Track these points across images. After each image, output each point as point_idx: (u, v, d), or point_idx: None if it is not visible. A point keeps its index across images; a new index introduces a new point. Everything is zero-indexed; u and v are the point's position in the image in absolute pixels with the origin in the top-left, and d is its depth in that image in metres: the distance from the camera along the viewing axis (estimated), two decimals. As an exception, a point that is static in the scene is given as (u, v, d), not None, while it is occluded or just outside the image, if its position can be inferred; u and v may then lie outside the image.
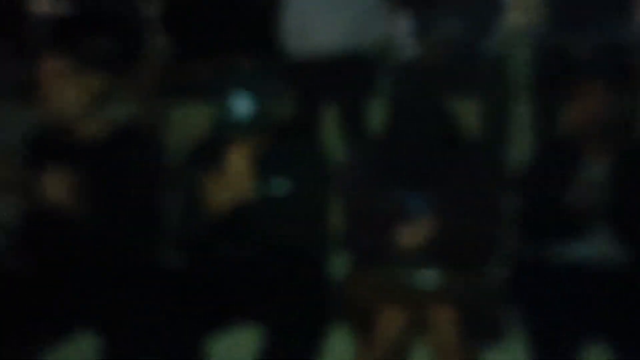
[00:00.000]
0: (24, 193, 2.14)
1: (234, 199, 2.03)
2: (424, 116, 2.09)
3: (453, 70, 2.95)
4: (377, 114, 3.12)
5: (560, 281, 2.20)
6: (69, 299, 2.13)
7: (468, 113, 3.04)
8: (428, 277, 2.18)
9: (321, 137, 3.11)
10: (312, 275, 2.23)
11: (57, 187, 2.04)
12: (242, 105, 2.05)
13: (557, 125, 3.00)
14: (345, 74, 2.98)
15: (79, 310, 2.14)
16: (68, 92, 2.15)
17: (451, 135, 2.15)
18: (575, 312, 2.12)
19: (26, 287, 2.13)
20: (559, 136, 2.77)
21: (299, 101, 2.97)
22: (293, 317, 2.01)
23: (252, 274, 2.18)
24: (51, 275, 2.16)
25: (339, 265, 2.43)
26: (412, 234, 2.07)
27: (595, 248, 2.28)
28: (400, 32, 3.11)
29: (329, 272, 2.39)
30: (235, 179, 2.03)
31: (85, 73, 2.17)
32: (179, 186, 2.28)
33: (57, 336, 2.20)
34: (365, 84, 3.12)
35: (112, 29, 3.43)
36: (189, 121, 3.26)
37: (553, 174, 2.32)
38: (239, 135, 2.07)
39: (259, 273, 2.17)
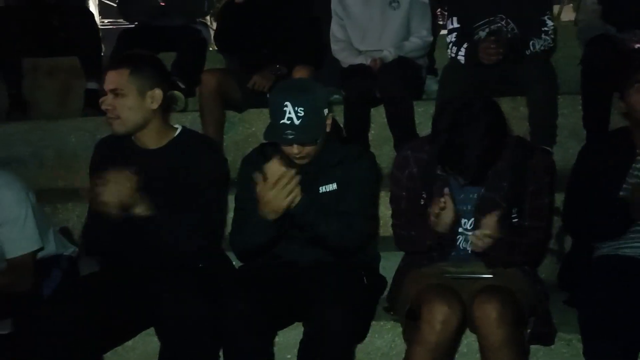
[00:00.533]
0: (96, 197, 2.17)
1: (286, 201, 2.08)
2: (474, 115, 2.03)
3: (501, 69, 2.95)
4: (425, 114, 3.17)
5: (612, 277, 2.15)
6: (133, 299, 2.22)
7: (517, 110, 3.05)
8: (477, 274, 2.19)
9: (369, 138, 3.17)
10: (362, 272, 2.28)
11: (129, 189, 2.10)
12: (296, 111, 2.11)
13: (608, 120, 2.97)
14: (394, 77, 3.01)
15: (142, 310, 2.23)
16: (133, 106, 2.22)
17: (500, 131, 2.11)
18: (630, 308, 2.06)
19: (93, 290, 2.22)
20: (610, 131, 2.74)
21: (348, 105, 3.07)
22: (343, 312, 2.04)
23: (306, 272, 2.24)
24: (119, 277, 2.26)
25: (388, 262, 2.48)
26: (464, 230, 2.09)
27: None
28: (449, 36, 3.11)
29: (378, 270, 2.45)
30: (287, 182, 2.06)
31: (148, 87, 2.24)
32: (236, 189, 2.36)
33: (123, 336, 2.32)
34: (414, 85, 3.15)
35: (175, 45, 3.60)
36: (247, 128, 3.40)
37: (604, 170, 2.29)
38: (294, 140, 2.13)
39: (312, 271, 2.23)
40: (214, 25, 4.42)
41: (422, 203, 2.22)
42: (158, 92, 2.27)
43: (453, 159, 2.05)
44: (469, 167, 2.04)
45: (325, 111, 2.21)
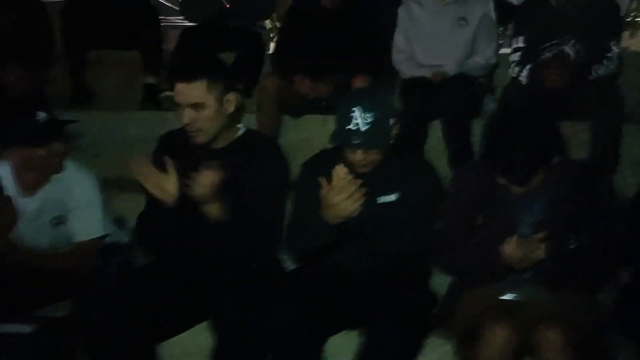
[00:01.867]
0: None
1: (351, 207, 2.07)
2: (531, 136, 2.01)
3: (564, 93, 2.91)
4: (481, 133, 3.14)
5: None
6: (187, 294, 2.24)
7: (579, 135, 3.00)
8: (537, 298, 2.16)
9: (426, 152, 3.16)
10: (416, 287, 2.28)
11: (204, 185, 2.10)
12: (364, 117, 2.12)
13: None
14: (454, 93, 2.99)
15: (196, 305, 2.25)
16: (214, 115, 2.19)
17: (549, 137, 2.07)
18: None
19: (149, 282, 2.25)
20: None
21: (408, 117, 3.07)
22: (395, 327, 2.04)
23: (359, 281, 2.24)
24: (174, 270, 2.29)
25: (437, 278, 2.45)
26: (520, 252, 2.06)
27: None
28: (512, 55, 3.09)
29: (431, 286, 2.42)
30: (348, 189, 2.06)
31: (225, 93, 2.21)
32: (294, 193, 2.38)
33: (175, 330, 2.33)
34: (473, 103, 3.13)
35: (234, 47, 3.65)
36: (300, 133, 3.43)
37: None
38: (360, 145, 2.13)
39: (366, 281, 2.23)
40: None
41: (478, 224, 2.19)
42: (233, 96, 2.25)
43: (500, 156, 2.03)
44: (514, 164, 2.01)
45: (392, 121, 2.22)
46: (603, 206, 2.17)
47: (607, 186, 2.27)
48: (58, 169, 2.36)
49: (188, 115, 2.19)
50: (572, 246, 2.16)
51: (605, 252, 2.19)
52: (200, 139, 2.23)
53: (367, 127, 2.12)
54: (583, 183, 2.17)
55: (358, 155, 2.16)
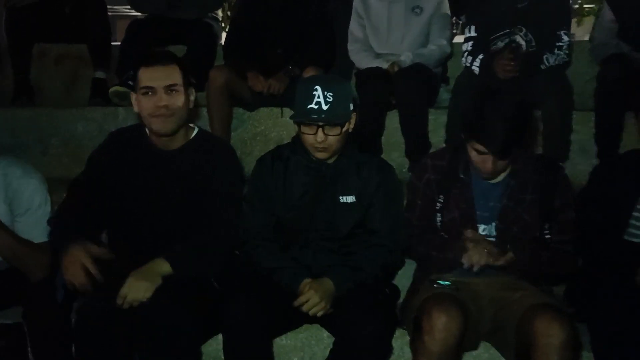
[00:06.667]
0: None
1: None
2: (499, 93, 2.12)
3: (516, 82, 2.94)
4: (436, 123, 3.16)
5: (626, 296, 2.14)
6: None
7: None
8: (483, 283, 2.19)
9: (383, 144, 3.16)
10: (381, 283, 2.28)
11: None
12: (325, 95, 2.13)
13: (620, 138, 2.97)
14: (411, 83, 2.99)
15: None
16: (184, 103, 2.21)
17: (525, 110, 2.15)
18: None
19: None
20: (622, 153, 2.72)
21: (365, 108, 3.04)
22: (376, 322, 2.05)
23: (319, 277, 2.20)
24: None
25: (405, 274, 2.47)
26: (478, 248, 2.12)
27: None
28: (465, 45, 3.10)
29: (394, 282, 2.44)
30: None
31: (188, 85, 2.24)
32: (247, 188, 2.35)
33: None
34: (429, 93, 3.13)
35: (185, 39, 3.56)
36: (255, 126, 3.37)
37: (614, 196, 2.27)
38: (321, 119, 2.13)
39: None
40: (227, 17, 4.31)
41: (437, 207, 2.23)
42: (193, 91, 2.28)
43: (478, 128, 2.08)
44: (494, 135, 2.05)
45: (351, 106, 2.22)
46: (568, 195, 2.23)
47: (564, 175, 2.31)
48: None
49: (163, 98, 2.18)
50: (546, 237, 2.21)
51: (572, 240, 2.24)
52: (170, 125, 2.21)
53: (328, 105, 2.13)
54: (548, 173, 2.21)
55: (318, 137, 2.16)
